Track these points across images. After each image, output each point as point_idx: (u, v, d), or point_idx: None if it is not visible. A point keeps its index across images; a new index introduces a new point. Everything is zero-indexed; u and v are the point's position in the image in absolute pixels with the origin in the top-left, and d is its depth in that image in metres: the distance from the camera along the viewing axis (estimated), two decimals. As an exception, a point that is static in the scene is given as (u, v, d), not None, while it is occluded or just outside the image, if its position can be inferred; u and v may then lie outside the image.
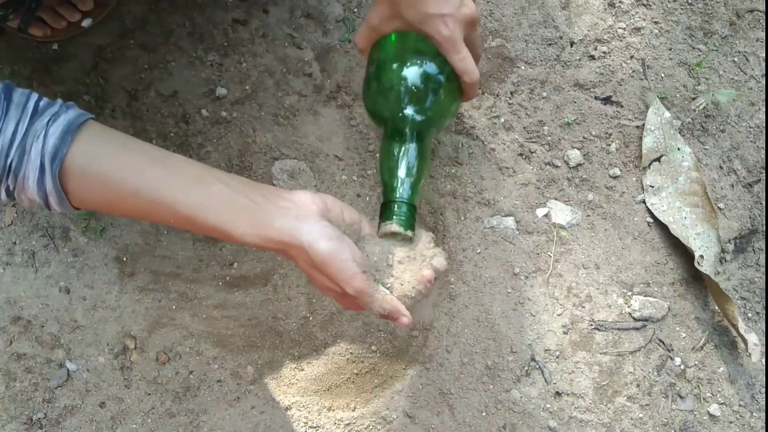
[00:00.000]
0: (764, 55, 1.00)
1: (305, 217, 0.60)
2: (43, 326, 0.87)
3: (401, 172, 0.70)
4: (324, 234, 0.59)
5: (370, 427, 0.84)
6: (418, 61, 0.73)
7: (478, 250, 0.90)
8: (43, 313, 0.88)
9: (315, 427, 0.83)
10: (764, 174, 0.95)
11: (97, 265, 0.89)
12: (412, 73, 0.72)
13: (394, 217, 0.67)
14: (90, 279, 0.89)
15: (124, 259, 0.89)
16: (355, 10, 0.98)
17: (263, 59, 0.97)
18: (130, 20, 0.96)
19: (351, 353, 0.86)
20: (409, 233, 0.67)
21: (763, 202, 0.94)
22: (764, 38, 1.01)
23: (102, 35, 0.96)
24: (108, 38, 0.96)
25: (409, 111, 0.72)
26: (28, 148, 0.56)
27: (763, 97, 0.98)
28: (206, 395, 0.85)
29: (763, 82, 0.99)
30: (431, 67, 0.73)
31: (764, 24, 1.01)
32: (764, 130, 0.97)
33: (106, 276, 0.89)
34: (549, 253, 0.90)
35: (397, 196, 0.69)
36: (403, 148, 0.71)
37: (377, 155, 0.93)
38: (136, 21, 0.96)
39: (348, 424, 0.83)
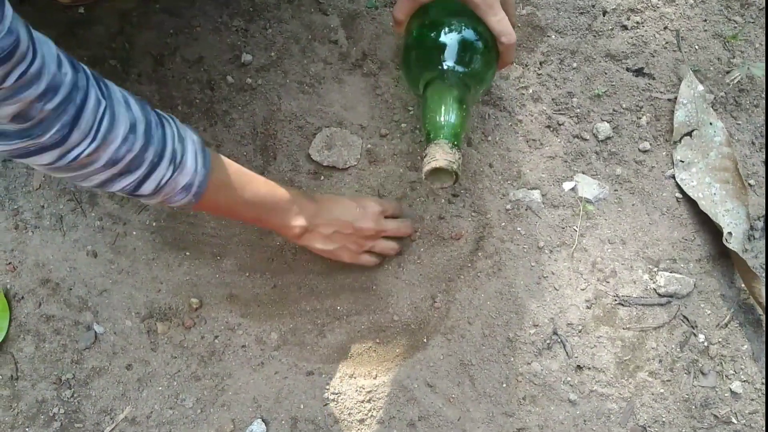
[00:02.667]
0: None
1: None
2: (71, 289, 0.89)
3: (443, 115, 0.70)
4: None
5: (391, 395, 0.84)
6: (457, 24, 0.74)
7: (503, 223, 0.89)
8: (71, 276, 0.89)
9: (336, 394, 0.85)
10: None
11: (123, 230, 0.90)
12: (451, 34, 0.73)
13: (438, 154, 0.67)
14: (116, 244, 0.90)
15: (151, 224, 0.90)
16: (383, -25, 0.97)
17: (289, 25, 0.96)
18: (156, -16, 0.95)
19: (373, 323, 0.87)
20: (455, 167, 0.67)
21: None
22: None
23: (127, -1, 0.95)
24: (133, 2, 0.96)
25: (449, 63, 0.73)
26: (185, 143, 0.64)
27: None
28: (231, 360, 0.86)
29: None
30: (469, 30, 0.74)
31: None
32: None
33: (132, 241, 0.90)
34: (574, 227, 0.89)
35: (442, 136, 0.69)
36: (444, 96, 0.71)
37: (402, 125, 0.93)
38: (162, -15, 0.95)
39: (369, 392, 0.84)
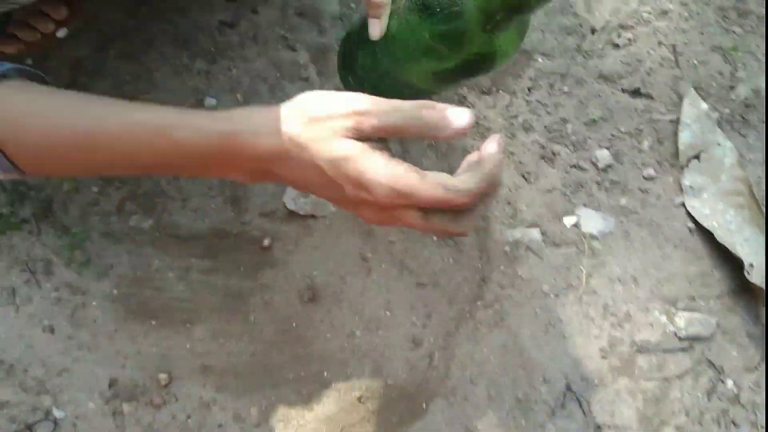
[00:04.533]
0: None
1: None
2: (26, 370, 0.81)
3: None
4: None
5: (390, 468, 0.76)
6: None
7: (501, 267, 0.83)
8: (26, 355, 0.81)
9: (329, 471, 0.76)
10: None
11: (82, 300, 0.83)
12: None
13: None
14: (75, 316, 0.82)
15: (113, 292, 0.82)
16: (352, 5, 0.92)
17: (255, 64, 0.90)
18: (109, 28, 0.90)
19: (364, 388, 0.79)
20: None
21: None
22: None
23: (79, 47, 0.90)
24: (86, 49, 0.91)
25: None
26: None
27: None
28: (207, 442, 0.78)
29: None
30: None
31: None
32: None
33: (92, 312, 0.82)
34: (580, 267, 0.83)
35: None
36: None
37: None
38: (115, 29, 0.90)
39: (365, 467, 0.76)
